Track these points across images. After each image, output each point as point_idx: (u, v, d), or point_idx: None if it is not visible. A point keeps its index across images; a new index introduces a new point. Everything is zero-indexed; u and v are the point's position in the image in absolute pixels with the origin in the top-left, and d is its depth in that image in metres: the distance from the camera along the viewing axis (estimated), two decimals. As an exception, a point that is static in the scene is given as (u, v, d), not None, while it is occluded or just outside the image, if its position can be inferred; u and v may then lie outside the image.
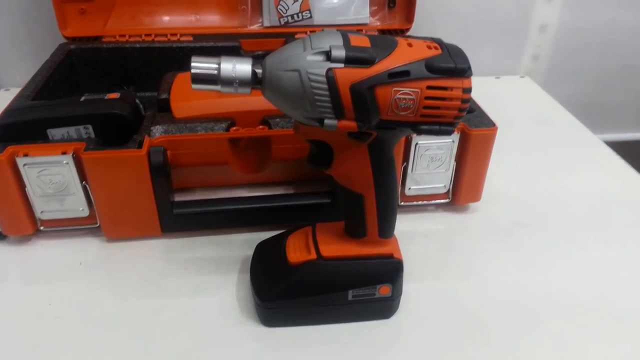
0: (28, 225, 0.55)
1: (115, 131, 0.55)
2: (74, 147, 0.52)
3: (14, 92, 0.87)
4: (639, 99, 1.13)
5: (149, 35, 0.79)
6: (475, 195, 0.62)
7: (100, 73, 0.78)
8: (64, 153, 0.51)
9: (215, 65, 0.38)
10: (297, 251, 0.47)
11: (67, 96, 0.74)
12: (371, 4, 0.86)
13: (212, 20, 0.84)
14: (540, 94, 0.98)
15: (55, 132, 0.54)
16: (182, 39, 0.80)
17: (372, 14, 0.87)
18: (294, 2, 0.83)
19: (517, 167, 0.72)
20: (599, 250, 0.58)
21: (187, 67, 0.77)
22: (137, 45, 0.77)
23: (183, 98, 0.62)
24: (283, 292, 0.46)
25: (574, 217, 0.63)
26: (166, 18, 0.82)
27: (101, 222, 0.56)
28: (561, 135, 0.83)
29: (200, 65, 0.38)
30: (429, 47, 0.39)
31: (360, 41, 0.38)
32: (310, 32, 0.84)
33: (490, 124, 0.59)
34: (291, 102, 0.38)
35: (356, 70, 0.37)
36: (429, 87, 0.38)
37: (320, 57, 0.36)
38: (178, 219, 0.57)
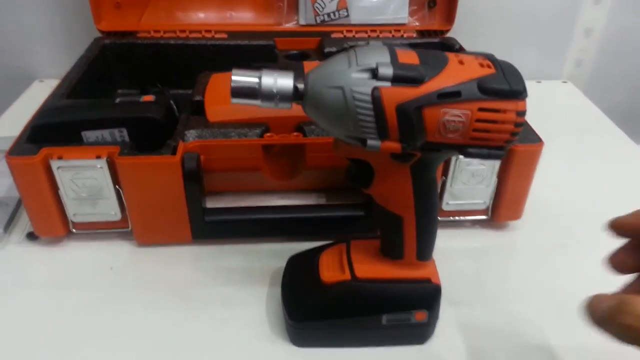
0: (60, 227, 0.55)
1: (150, 135, 0.54)
2: (108, 152, 0.51)
3: (48, 83, 0.89)
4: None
5: (184, 31, 0.78)
6: (516, 213, 0.60)
7: (134, 69, 0.77)
8: (98, 157, 0.51)
9: (256, 80, 0.36)
10: (330, 270, 0.45)
11: (101, 92, 0.73)
12: (411, 3, 0.83)
13: (246, 17, 0.82)
14: (582, 101, 0.94)
15: (90, 135, 0.53)
16: (217, 36, 0.78)
17: (411, 13, 0.84)
18: (331, 0, 0.81)
19: (559, 182, 0.69)
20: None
21: (221, 66, 0.78)
22: (172, 42, 0.76)
23: (217, 101, 0.61)
24: (315, 313, 0.45)
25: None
26: (201, 14, 0.81)
27: (133, 227, 0.55)
28: (604, 146, 0.79)
29: (241, 79, 0.37)
30: (482, 65, 0.36)
31: (408, 58, 0.36)
32: (347, 31, 0.82)
33: (535, 140, 0.56)
34: (333, 120, 0.36)
35: (404, 90, 0.34)
36: (480, 109, 0.35)
37: (366, 75, 0.34)
38: (209, 227, 0.56)
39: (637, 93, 1.04)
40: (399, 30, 0.83)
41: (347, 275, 0.44)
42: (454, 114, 0.35)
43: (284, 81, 0.37)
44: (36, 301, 0.51)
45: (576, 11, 0.95)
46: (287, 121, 0.59)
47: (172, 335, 0.47)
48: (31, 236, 0.57)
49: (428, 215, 0.42)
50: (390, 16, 0.83)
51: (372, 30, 0.82)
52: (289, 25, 0.82)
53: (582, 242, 0.59)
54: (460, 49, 0.80)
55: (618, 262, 0.37)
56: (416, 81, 0.34)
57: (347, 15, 0.82)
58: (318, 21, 0.82)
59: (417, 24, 0.85)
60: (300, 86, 0.37)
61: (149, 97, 0.55)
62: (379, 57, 0.35)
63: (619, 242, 0.58)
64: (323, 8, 0.81)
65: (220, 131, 0.57)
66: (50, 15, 0.87)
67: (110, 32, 0.78)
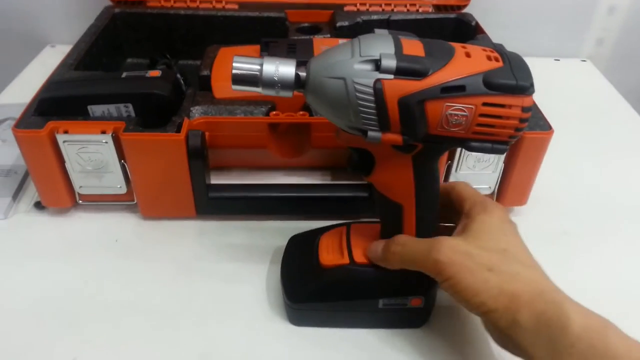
0: (67, 199, 0.56)
1: (156, 110, 0.54)
2: (113, 127, 0.51)
3: (59, 49, 0.89)
4: None
5: (194, 1, 0.77)
6: (522, 199, 0.59)
7: (144, 38, 0.77)
8: (103, 132, 0.51)
9: (257, 67, 0.36)
10: (329, 253, 0.46)
11: (110, 61, 0.73)
12: (428, -24, 0.81)
13: (258, -13, 0.80)
14: (601, 82, 0.91)
15: (96, 109, 0.53)
16: (227, 6, 0.77)
17: (428, -13, 0.82)
18: (346, -29, 0.78)
19: (568, 167, 0.68)
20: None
21: (231, 37, 0.77)
22: (182, 12, 0.76)
23: (224, 77, 0.60)
24: (312, 295, 0.46)
25: (629, 228, 0.60)
26: (212, -17, 0.80)
27: (138, 200, 0.56)
28: (619, 131, 0.77)
29: (242, 65, 0.36)
30: (489, 58, 0.35)
31: (413, 49, 0.35)
32: (360, 4, 0.80)
33: (546, 127, 0.55)
34: (334, 111, 0.36)
35: (406, 83, 0.34)
36: (485, 104, 0.34)
37: (369, 66, 0.34)
38: (213, 203, 0.56)
39: (660, 75, 1.01)
40: (415, 5, 0.81)
41: (345, 260, 0.45)
42: (458, 108, 0.34)
43: (285, 69, 0.36)
44: (42, 270, 0.52)
45: (600, -13, 0.91)
46: (294, 100, 0.57)
47: (173, 309, 0.49)
48: (39, 205, 0.58)
49: (428, 204, 0.42)
50: (408, -11, 0.81)
51: (386, 4, 0.80)
52: (302, -4, 0.81)
53: (586, 231, 0.59)
54: (477, 26, 0.78)
55: None
56: (420, 74, 0.34)
57: (362, -12, 0.80)
58: (331, -7, 0.80)
59: (433, -2, 0.82)
60: (302, 74, 0.36)
61: (156, 72, 0.55)
62: (383, 48, 0.34)
63: (624, 231, 0.58)
64: (337, -21, 0.79)
65: (226, 108, 0.57)
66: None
67: (121, 1, 0.77)
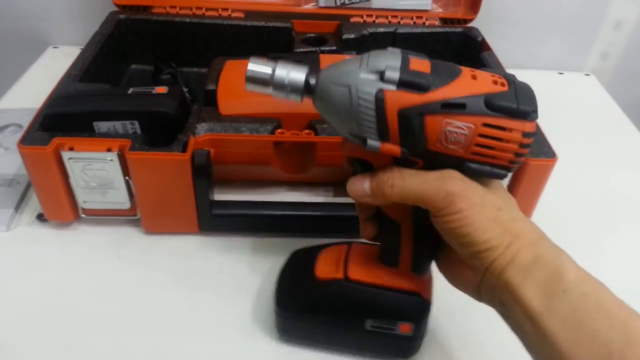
0: (70, 213, 0.56)
1: (162, 128, 0.54)
2: (119, 144, 0.51)
3: (62, 49, 0.89)
4: None
5: (200, 8, 0.76)
6: (523, 223, 0.59)
7: (149, 45, 0.76)
8: (109, 150, 0.51)
9: (270, 70, 0.38)
10: (326, 266, 0.46)
11: (114, 68, 0.73)
12: (435, -11, 0.81)
13: (265, -5, 0.80)
14: (603, 97, 0.92)
15: (102, 125, 0.53)
16: (233, 15, 0.77)
17: (435, 0, 0.82)
18: (353, -18, 0.78)
19: (570, 189, 0.68)
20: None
21: (236, 46, 0.76)
22: (187, 20, 0.75)
23: (230, 94, 0.60)
24: (301, 305, 0.46)
25: (632, 241, 0.60)
26: (218, -10, 0.79)
27: (141, 216, 0.56)
28: (619, 148, 0.78)
29: (256, 68, 0.38)
30: (495, 82, 0.35)
31: (420, 65, 0.35)
32: (367, 16, 0.80)
33: (550, 154, 0.55)
34: (338, 117, 0.37)
35: (408, 95, 0.34)
36: (485, 125, 0.35)
37: (374, 77, 0.35)
38: (216, 219, 0.56)
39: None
40: (421, 17, 0.80)
41: (340, 274, 0.45)
42: (457, 125, 0.35)
43: (296, 74, 0.38)
44: (44, 283, 0.52)
45: (607, 1, 0.91)
46: (300, 118, 0.59)
47: (173, 323, 0.49)
48: (41, 217, 0.58)
49: (427, 227, 0.41)
50: (414, 2, 0.80)
51: (393, 16, 0.80)
52: (309, 7, 0.80)
53: (585, 253, 0.59)
54: (483, 41, 0.77)
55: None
56: (421, 88, 0.34)
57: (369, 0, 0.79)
58: (338, 3, 0.80)
59: (440, 10, 0.82)
60: (312, 81, 0.38)
61: (162, 89, 0.55)
62: (389, 62, 0.35)
63: (620, 255, 0.58)
64: (344, -10, 0.79)
65: (232, 125, 0.57)
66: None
67: (126, 6, 0.76)
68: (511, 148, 0.35)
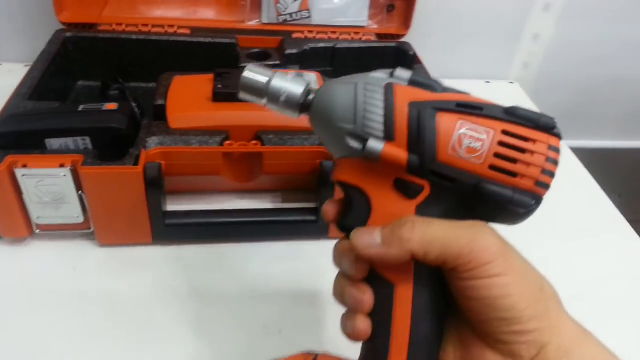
0: (23, 229, 0.57)
1: (113, 143, 0.56)
2: (71, 160, 0.53)
3: (6, 66, 0.88)
4: (620, 111, 1.16)
5: (146, 25, 0.79)
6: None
7: (96, 62, 0.78)
8: (61, 166, 0.53)
9: (267, 78, 0.35)
10: None
11: (61, 84, 0.74)
12: (370, 6, 0.86)
13: (210, 13, 0.84)
14: (527, 103, 1.00)
15: (54, 142, 0.55)
16: (179, 31, 0.80)
17: (371, 16, 0.88)
18: (293, 0, 0.83)
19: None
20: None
21: (183, 62, 0.79)
22: (133, 37, 0.77)
23: (179, 107, 0.63)
24: None
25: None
26: (163, 9, 0.82)
27: (95, 229, 0.58)
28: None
29: (252, 74, 0.35)
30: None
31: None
32: (308, 31, 0.84)
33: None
34: (338, 114, 0.32)
35: (419, 90, 0.31)
36: (504, 132, 0.30)
37: (383, 75, 0.32)
38: (169, 229, 0.59)
39: (579, 95, 1.12)
40: (358, 33, 0.86)
41: None
42: (472, 127, 0.30)
43: (294, 86, 0.34)
44: None
45: (526, 16, 1.00)
46: (246, 130, 0.63)
47: (131, 333, 0.51)
48: (-6, 234, 0.59)
49: (432, 287, 0.31)
50: (351, 18, 0.86)
51: (332, 32, 0.85)
52: (252, 23, 0.84)
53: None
54: (414, 55, 0.84)
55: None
56: (433, 89, 0.32)
57: (309, 16, 0.84)
58: (280, 20, 0.84)
59: (375, 26, 0.88)
60: (310, 97, 0.34)
61: (112, 105, 0.57)
62: (400, 70, 0.33)
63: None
64: (285, 8, 0.83)
65: (181, 138, 0.60)
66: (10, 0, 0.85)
67: (72, 24, 0.78)
68: (537, 162, 0.30)
